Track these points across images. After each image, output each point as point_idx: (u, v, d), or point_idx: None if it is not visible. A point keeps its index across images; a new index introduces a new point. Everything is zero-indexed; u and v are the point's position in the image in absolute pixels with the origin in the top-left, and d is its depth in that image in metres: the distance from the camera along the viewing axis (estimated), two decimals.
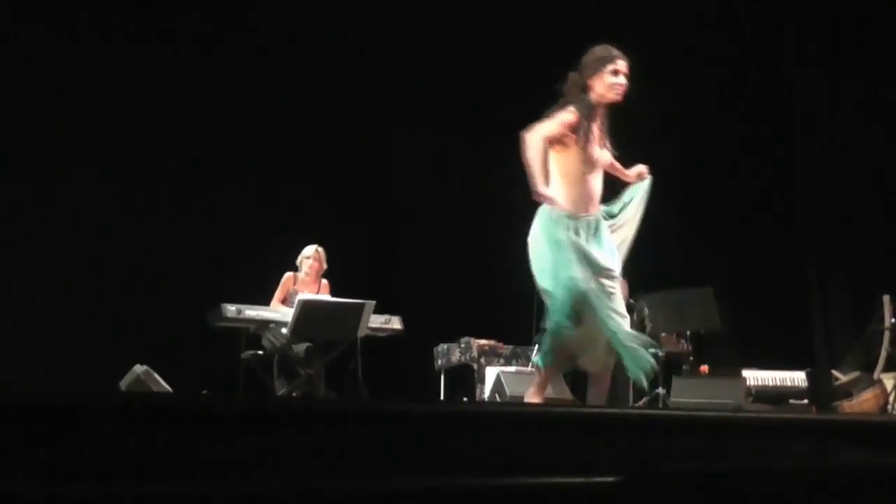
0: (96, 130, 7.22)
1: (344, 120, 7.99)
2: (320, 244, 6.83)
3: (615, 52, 4.01)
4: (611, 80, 3.97)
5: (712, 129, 8.34)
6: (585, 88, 3.99)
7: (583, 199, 4.00)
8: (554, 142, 3.95)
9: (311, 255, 6.74)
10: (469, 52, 8.02)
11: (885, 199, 7.90)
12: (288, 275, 6.73)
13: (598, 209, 4.10)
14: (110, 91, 7.23)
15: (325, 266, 6.78)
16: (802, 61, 8.41)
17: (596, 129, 4.02)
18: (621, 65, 3.99)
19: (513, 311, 7.46)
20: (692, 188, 8.18)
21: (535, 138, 3.89)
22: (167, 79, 7.40)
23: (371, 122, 8.16)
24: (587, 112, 3.96)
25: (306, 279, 6.74)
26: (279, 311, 6.45)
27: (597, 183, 4.06)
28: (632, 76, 4.04)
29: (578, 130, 3.93)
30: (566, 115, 3.94)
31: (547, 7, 7.90)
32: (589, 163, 3.98)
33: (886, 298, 6.93)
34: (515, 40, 7.87)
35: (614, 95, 4.00)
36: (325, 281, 6.81)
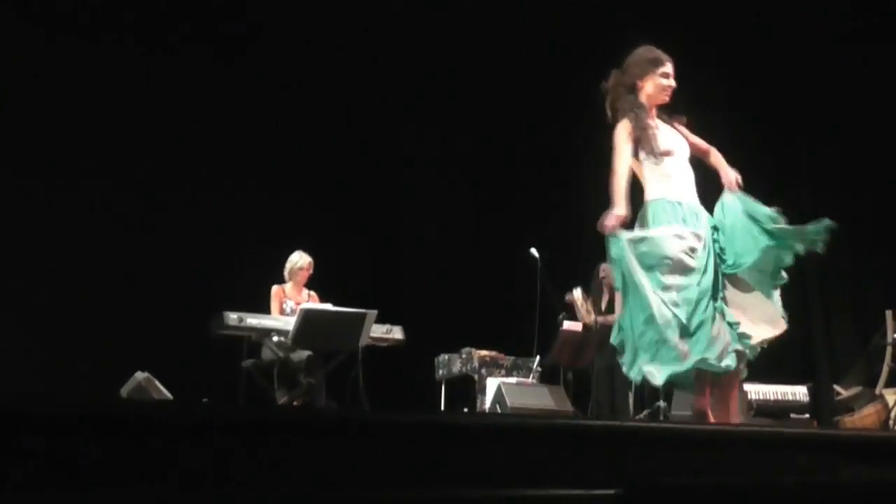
0: (100, 139, 7.23)
1: (347, 129, 8.00)
2: (322, 253, 6.82)
3: (663, 54, 3.96)
4: (662, 83, 3.93)
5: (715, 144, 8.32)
6: (633, 89, 3.93)
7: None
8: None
9: (304, 266, 6.71)
10: (474, 58, 8.02)
11: (891, 213, 7.89)
12: (276, 287, 6.67)
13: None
14: (114, 101, 7.24)
15: (311, 273, 6.76)
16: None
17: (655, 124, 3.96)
18: (670, 67, 3.94)
19: (514, 322, 7.46)
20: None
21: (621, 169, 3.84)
22: (172, 89, 7.42)
23: (374, 131, 8.17)
24: (641, 116, 3.89)
25: (295, 289, 6.73)
26: (280, 320, 6.44)
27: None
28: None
29: (639, 139, 3.88)
30: (623, 132, 3.87)
31: (543, 11, 7.92)
32: (663, 155, 3.92)
33: (889, 314, 6.92)
34: (522, 46, 7.87)
35: (665, 97, 3.97)
36: (312, 292, 6.74)
